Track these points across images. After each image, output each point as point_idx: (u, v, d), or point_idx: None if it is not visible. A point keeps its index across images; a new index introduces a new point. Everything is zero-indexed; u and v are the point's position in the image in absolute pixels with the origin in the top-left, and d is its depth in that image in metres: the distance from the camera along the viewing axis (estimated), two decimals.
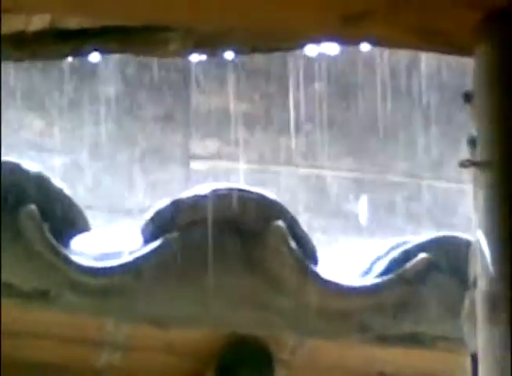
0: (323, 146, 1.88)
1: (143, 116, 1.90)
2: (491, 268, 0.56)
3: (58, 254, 1.07)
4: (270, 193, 1.20)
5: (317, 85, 1.86)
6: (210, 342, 1.19)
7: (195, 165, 1.92)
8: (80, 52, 0.95)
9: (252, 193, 1.16)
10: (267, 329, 1.17)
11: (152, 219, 1.13)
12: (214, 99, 1.92)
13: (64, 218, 1.08)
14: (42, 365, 1.16)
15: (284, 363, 1.20)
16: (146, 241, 1.11)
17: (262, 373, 1.19)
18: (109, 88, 1.83)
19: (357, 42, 0.83)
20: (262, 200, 1.16)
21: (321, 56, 1.68)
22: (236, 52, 0.97)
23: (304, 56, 1.62)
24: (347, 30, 0.68)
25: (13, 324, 1.07)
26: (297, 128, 1.84)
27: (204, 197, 1.12)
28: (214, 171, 1.89)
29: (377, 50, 1.58)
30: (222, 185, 1.19)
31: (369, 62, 1.83)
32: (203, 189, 1.14)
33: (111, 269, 1.08)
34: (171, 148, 1.91)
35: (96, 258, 1.09)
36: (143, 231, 1.11)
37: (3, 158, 1.05)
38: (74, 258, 1.07)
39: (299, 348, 1.22)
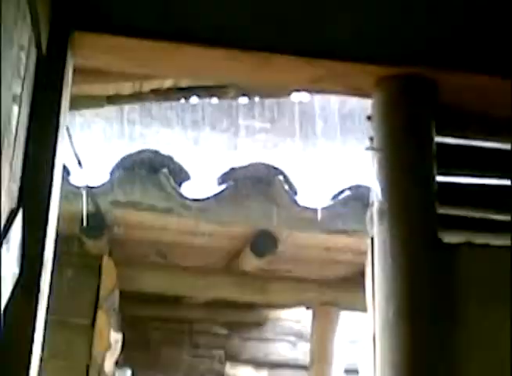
0: None
1: None
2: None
3: (177, 193, 2.12)
4: None
5: None
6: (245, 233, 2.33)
7: None
8: (187, 97, 1.94)
9: None
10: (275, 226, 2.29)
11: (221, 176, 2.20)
12: None
13: (177, 174, 2.12)
14: None
15: (283, 242, 2.35)
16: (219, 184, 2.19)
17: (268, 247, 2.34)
18: None
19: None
20: None
21: None
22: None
23: None
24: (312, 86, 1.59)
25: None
26: None
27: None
28: None
29: None
30: None
31: None
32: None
33: (204, 199, 2.15)
34: None
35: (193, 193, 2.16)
36: (218, 180, 2.18)
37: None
38: (184, 193, 2.12)
39: (289, 236, 2.36)
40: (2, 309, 0.86)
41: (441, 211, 1.33)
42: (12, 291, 0.94)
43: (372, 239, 1.39)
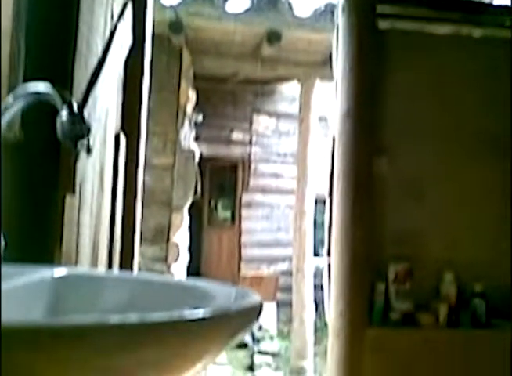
0: None
1: None
2: None
3: (223, 7, 3.71)
4: None
5: None
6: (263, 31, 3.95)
7: None
8: None
9: None
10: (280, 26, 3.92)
11: None
12: None
13: None
14: None
15: (284, 37, 3.99)
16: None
17: None
18: None
19: None
20: None
21: None
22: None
23: None
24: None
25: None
26: None
27: None
28: None
29: None
30: None
31: None
32: None
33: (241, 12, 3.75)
34: None
35: None
36: None
37: None
38: (227, 8, 3.71)
39: (288, 33, 3.99)
40: None
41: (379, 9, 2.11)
42: None
43: (337, 27, 2.17)
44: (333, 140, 2.24)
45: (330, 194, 2.18)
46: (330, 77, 2.45)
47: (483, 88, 2.21)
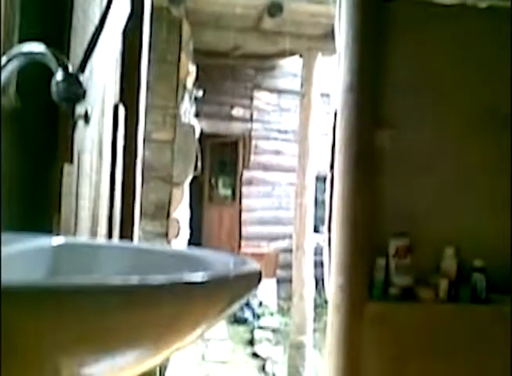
0: None
1: None
2: None
3: None
4: None
5: None
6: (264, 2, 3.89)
7: None
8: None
9: None
10: None
11: None
12: None
13: None
14: None
15: (286, 8, 3.94)
16: None
17: None
18: None
19: None
20: None
21: None
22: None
23: None
24: None
25: None
26: None
27: None
28: None
29: None
30: None
31: None
32: None
33: None
34: None
35: None
36: None
37: None
38: None
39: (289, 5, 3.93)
40: None
41: None
42: None
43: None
44: (335, 114, 2.22)
45: (331, 168, 2.17)
46: (333, 52, 2.42)
47: (488, 59, 2.18)
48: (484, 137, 2.19)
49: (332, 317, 2.20)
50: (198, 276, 0.55)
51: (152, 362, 0.63)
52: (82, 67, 1.03)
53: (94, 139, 1.40)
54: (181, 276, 0.53)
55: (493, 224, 2.20)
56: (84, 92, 0.67)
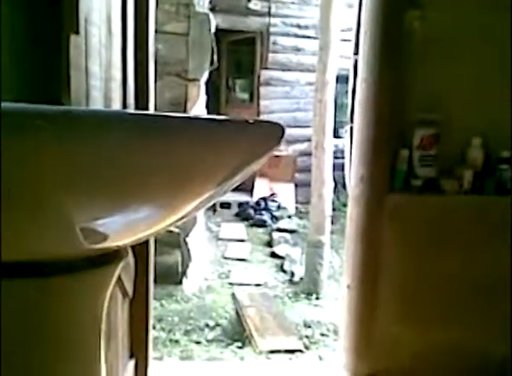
0: None
1: None
2: None
3: None
4: None
5: None
6: None
7: None
8: None
9: None
10: None
11: None
12: None
13: None
14: None
15: None
16: None
17: None
18: None
19: None
20: None
21: None
22: None
23: None
24: None
25: None
26: None
27: None
28: None
29: None
30: None
31: None
32: None
33: None
34: None
35: None
36: None
37: None
38: None
39: None
40: None
41: None
42: None
43: None
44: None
45: (356, 53, 2.07)
46: None
47: None
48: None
49: (351, 210, 2.21)
50: (214, 118, 0.52)
51: (166, 223, 0.61)
52: None
53: (102, 13, 1.33)
54: (197, 115, 0.50)
55: None
56: None
